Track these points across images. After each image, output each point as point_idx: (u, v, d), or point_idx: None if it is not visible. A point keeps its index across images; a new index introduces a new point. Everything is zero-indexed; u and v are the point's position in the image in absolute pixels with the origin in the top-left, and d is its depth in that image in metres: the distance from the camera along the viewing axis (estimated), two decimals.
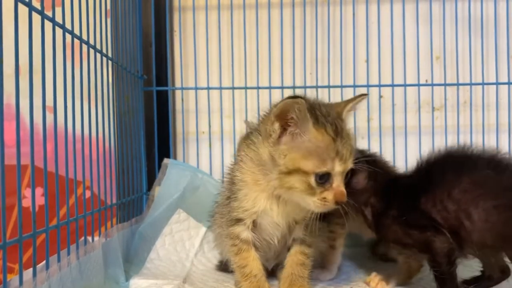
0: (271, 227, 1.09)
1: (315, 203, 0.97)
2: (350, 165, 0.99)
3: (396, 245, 1.08)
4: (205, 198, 1.58)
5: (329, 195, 0.96)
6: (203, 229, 1.53)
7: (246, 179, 1.07)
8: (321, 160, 0.95)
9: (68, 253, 1.03)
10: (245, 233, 1.09)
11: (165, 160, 1.65)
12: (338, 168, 0.96)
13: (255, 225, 1.09)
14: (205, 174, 1.69)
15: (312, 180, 0.95)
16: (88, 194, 1.37)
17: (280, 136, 0.98)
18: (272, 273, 1.22)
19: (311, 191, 0.96)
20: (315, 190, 0.96)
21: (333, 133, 0.96)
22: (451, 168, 1.01)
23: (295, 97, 0.94)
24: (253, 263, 1.09)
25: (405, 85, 1.72)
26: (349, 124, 1.07)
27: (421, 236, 1.00)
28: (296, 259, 1.11)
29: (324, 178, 0.96)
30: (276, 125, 0.97)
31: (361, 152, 1.10)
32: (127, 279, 1.20)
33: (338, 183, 0.97)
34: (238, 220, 1.09)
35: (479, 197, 0.96)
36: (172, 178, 1.59)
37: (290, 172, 0.97)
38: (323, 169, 0.95)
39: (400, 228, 1.03)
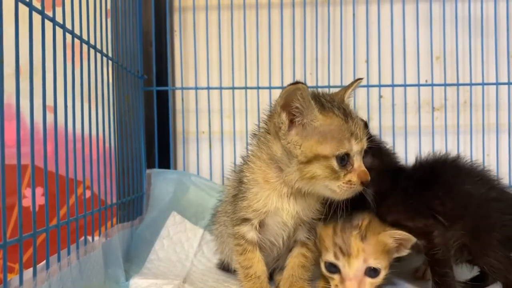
0: (278, 228, 1.08)
1: (341, 188, 0.96)
2: (365, 144, 1.00)
3: (393, 227, 1.07)
4: (197, 199, 1.61)
5: (353, 177, 0.96)
6: (200, 230, 1.54)
7: (257, 178, 1.06)
8: (337, 141, 0.96)
9: (68, 253, 1.03)
10: (251, 233, 1.08)
11: (148, 171, 1.67)
12: (355, 148, 0.97)
13: (261, 225, 1.08)
14: (192, 174, 1.71)
15: (334, 163, 0.96)
16: (88, 193, 1.37)
17: (290, 128, 0.98)
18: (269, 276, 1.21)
19: (335, 175, 0.96)
20: (339, 174, 0.96)
21: (342, 115, 0.98)
22: (454, 172, 1.09)
23: (295, 83, 0.94)
24: (258, 264, 1.08)
25: (405, 85, 1.72)
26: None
27: (424, 221, 1.02)
28: (297, 261, 1.11)
29: (344, 160, 0.96)
30: (283, 116, 0.98)
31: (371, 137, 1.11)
32: (127, 279, 1.20)
33: (359, 163, 0.98)
34: (245, 220, 1.08)
35: (470, 204, 1.04)
36: (160, 185, 1.62)
37: (309, 161, 0.96)
38: (342, 150, 0.96)
39: (404, 210, 1.05)
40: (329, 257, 1.04)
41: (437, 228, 1.01)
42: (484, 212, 1.03)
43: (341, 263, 1.02)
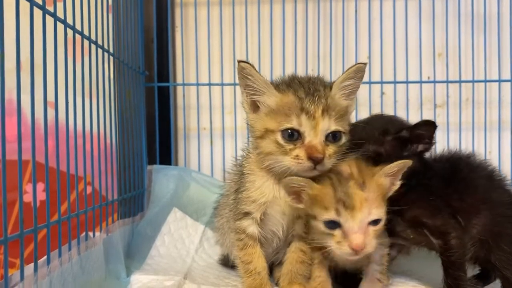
0: (276, 218, 1.09)
1: (290, 162, 0.98)
2: (324, 123, 0.97)
3: (411, 224, 1.05)
4: (198, 195, 1.61)
5: (301, 152, 0.96)
6: (201, 226, 1.54)
7: (253, 168, 1.09)
8: (285, 117, 0.98)
9: (69, 249, 1.03)
10: (252, 227, 1.08)
11: (149, 167, 1.68)
12: (306, 123, 0.97)
13: (262, 216, 1.08)
14: (193, 170, 1.71)
15: (278, 137, 0.98)
16: (89, 189, 1.36)
17: (253, 106, 1.04)
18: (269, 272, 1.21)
19: (282, 149, 0.98)
20: (286, 148, 0.98)
21: (302, 94, 0.99)
22: (471, 168, 1.09)
23: (238, 62, 1.00)
24: (258, 260, 1.09)
25: (407, 82, 1.72)
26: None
27: (443, 220, 1.01)
28: (296, 257, 1.10)
29: (293, 136, 0.98)
30: (244, 95, 1.05)
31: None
32: (128, 274, 1.20)
33: (310, 139, 0.97)
34: (246, 214, 1.08)
35: (488, 198, 1.04)
36: (161, 181, 1.62)
37: (262, 136, 1.01)
38: (287, 125, 0.97)
39: (425, 206, 1.03)
40: (330, 215, 0.95)
41: (455, 230, 1.01)
42: (500, 207, 1.04)
43: (343, 218, 0.94)
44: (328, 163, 0.98)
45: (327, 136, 0.99)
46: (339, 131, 1.01)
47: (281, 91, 1.01)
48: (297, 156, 0.97)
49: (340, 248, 0.95)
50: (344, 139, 1.02)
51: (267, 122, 1.01)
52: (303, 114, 0.97)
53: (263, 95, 1.02)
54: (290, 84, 1.03)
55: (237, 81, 1.72)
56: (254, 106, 1.05)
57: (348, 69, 1.05)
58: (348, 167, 0.99)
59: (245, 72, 1.01)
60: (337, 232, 0.95)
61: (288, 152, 0.98)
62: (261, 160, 1.06)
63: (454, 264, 1.00)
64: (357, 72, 1.05)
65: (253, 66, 1.01)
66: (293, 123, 0.97)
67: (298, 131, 0.97)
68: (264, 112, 1.03)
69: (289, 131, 0.97)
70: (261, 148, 1.02)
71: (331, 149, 0.99)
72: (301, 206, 1.01)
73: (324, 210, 0.96)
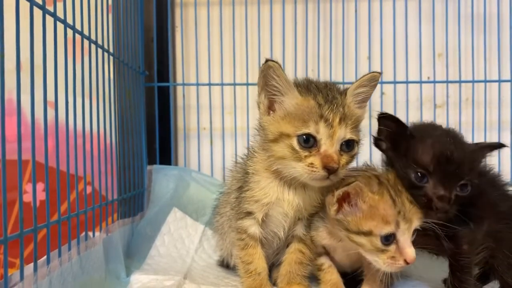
0: (278, 219, 1.08)
1: (303, 169, 0.96)
2: (341, 132, 0.96)
3: (422, 228, 1.04)
4: (198, 195, 1.61)
5: (316, 160, 0.95)
6: (201, 226, 1.54)
7: (258, 168, 1.07)
8: (302, 122, 0.96)
9: (69, 248, 1.03)
10: (253, 228, 1.08)
11: (149, 167, 1.68)
12: (323, 130, 0.95)
13: (264, 217, 1.08)
14: (193, 170, 1.71)
15: (294, 142, 0.96)
16: (89, 189, 1.37)
17: (270, 108, 1.02)
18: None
19: (297, 155, 0.96)
20: (300, 154, 0.96)
21: (321, 100, 0.97)
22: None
23: (266, 61, 0.96)
24: (259, 260, 1.08)
25: (407, 82, 1.72)
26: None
27: (456, 225, 1.00)
28: (294, 257, 1.10)
29: (309, 142, 0.96)
30: (263, 96, 1.01)
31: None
32: (128, 274, 1.20)
33: (326, 148, 0.95)
34: (248, 214, 1.08)
35: (494, 203, 1.05)
36: (161, 181, 1.63)
37: (276, 139, 0.99)
38: (305, 130, 0.95)
39: None
40: (391, 228, 0.92)
41: (467, 235, 1.00)
42: (503, 213, 1.04)
43: (400, 231, 0.92)
44: (341, 173, 0.97)
45: (341, 145, 0.98)
46: (353, 140, 1.00)
47: (302, 94, 0.99)
48: (311, 164, 0.95)
49: (394, 264, 0.93)
50: (356, 149, 1.02)
51: (282, 125, 0.98)
52: (321, 121, 0.95)
53: (284, 96, 0.99)
54: (308, 88, 1.01)
55: (237, 81, 1.75)
56: (270, 108, 1.02)
57: (362, 76, 1.04)
58: (388, 176, 1.00)
59: (271, 71, 0.97)
60: (391, 247, 0.93)
61: (302, 159, 0.96)
62: (269, 163, 1.04)
63: (463, 269, 1.01)
64: (371, 81, 1.04)
65: (280, 66, 0.97)
66: (310, 129, 0.95)
67: (314, 138, 0.95)
68: (280, 115, 1.00)
69: (305, 137, 0.95)
70: (273, 151, 1.00)
71: (344, 158, 0.98)
72: (339, 217, 0.97)
73: (384, 223, 0.93)
